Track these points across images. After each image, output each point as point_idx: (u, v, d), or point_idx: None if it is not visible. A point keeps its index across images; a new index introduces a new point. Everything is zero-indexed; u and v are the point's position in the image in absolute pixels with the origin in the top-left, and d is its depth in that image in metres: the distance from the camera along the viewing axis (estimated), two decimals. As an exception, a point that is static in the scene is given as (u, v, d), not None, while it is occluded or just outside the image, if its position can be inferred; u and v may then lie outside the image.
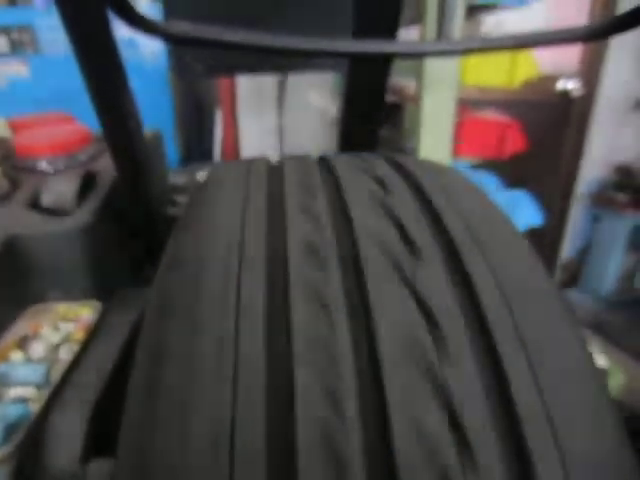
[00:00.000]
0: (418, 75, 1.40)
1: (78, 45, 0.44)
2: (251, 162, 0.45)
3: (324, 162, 0.46)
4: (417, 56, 0.71)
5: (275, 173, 0.43)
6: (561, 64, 2.15)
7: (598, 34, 0.53)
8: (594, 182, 2.37)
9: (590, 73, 2.15)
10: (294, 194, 0.39)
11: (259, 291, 0.30)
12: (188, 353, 0.28)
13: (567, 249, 2.51)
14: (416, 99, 1.43)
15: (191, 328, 0.29)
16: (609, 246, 2.38)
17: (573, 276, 2.59)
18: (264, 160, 0.46)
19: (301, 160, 0.46)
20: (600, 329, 2.16)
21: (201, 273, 0.32)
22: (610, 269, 2.40)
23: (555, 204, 2.42)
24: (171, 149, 1.53)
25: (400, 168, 0.44)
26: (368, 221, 0.35)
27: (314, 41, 0.54)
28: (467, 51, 0.62)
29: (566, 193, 2.39)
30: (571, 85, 2.09)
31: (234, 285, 0.30)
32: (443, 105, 1.39)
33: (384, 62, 0.67)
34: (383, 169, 0.43)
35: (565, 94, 2.10)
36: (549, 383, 0.26)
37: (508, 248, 0.36)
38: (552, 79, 2.08)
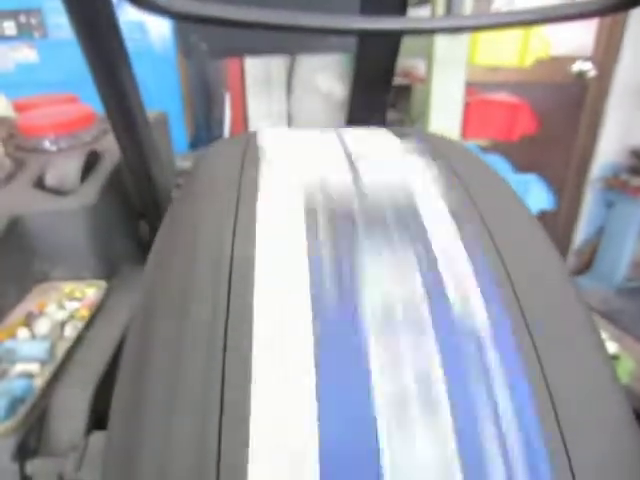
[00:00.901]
0: (427, 56, 1.38)
1: (79, 22, 0.44)
2: (251, 134, 0.45)
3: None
4: (427, 32, 0.70)
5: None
6: (576, 46, 2.11)
7: (615, 8, 0.51)
8: (608, 166, 2.33)
9: (606, 55, 2.10)
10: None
11: (251, 260, 0.29)
12: (179, 323, 0.28)
13: (580, 235, 2.49)
14: (425, 80, 1.41)
15: (183, 299, 0.29)
16: (622, 232, 2.35)
17: (586, 262, 2.57)
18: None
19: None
20: (611, 316, 2.13)
21: (195, 245, 0.32)
22: (623, 255, 2.37)
23: (568, 189, 2.39)
24: (180, 134, 1.52)
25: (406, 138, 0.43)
26: (373, 191, 0.35)
27: (323, 18, 0.53)
28: (478, 28, 0.60)
29: (579, 177, 2.36)
30: (587, 67, 2.04)
31: (228, 256, 0.30)
32: (452, 86, 1.37)
33: (393, 41, 0.65)
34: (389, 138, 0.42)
35: (580, 76, 2.06)
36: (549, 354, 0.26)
37: (513, 223, 0.35)
38: (566, 61, 2.04)
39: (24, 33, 1.43)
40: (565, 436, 0.24)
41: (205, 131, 1.82)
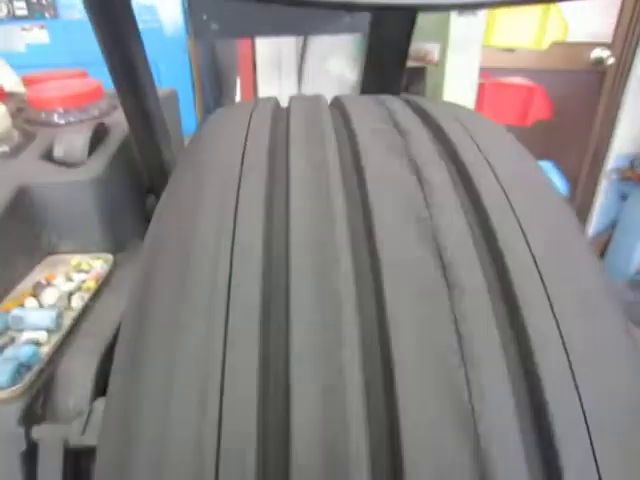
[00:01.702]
0: (442, 39, 1.36)
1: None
2: (257, 101, 0.44)
3: (336, 101, 0.44)
4: (443, 9, 0.68)
5: (281, 111, 0.42)
6: (595, 33, 2.07)
7: None
8: (623, 157, 2.29)
9: (625, 43, 2.06)
10: (299, 131, 0.37)
11: (257, 228, 0.29)
12: (180, 286, 0.27)
13: (593, 226, 2.45)
14: (438, 63, 1.39)
15: (184, 261, 0.28)
16: (636, 225, 2.30)
17: (598, 255, 2.53)
18: (272, 99, 0.45)
19: (310, 98, 0.45)
20: (624, 309, 2.10)
21: (197, 209, 0.31)
22: (636, 248, 2.33)
23: (582, 179, 2.35)
24: (190, 116, 1.52)
25: (416, 107, 0.42)
26: (379, 161, 0.34)
27: None
28: (496, 4, 0.59)
29: (594, 168, 2.32)
30: (605, 54, 2.00)
31: (231, 219, 0.29)
32: (466, 68, 1.35)
33: (407, 20, 0.64)
34: (397, 106, 0.41)
35: (598, 63, 2.01)
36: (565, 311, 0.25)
37: (531, 187, 0.34)
38: (584, 47, 2.00)
39: (35, 14, 1.43)
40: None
41: (215, 115, 1.80)
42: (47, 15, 1.43)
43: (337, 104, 0.44)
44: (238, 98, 1.69)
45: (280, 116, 0.41)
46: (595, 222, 2.46)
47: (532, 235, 0.28)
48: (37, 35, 1.46)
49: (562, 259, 0.28)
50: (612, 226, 2.46)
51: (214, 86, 1.62)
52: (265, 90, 1.72)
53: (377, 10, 0.61)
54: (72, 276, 0.55)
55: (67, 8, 1.43)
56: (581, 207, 2.41)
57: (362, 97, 0.45)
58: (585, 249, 0.30)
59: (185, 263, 0.28)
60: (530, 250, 0.27)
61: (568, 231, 0.30)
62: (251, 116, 0.39)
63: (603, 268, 0.29)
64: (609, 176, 2.33)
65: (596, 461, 0.21)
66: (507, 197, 0.30)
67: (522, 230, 0.28)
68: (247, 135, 0.35)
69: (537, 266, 0.27)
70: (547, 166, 1.70)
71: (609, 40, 2.06)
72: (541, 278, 0.26)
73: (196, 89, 1.53)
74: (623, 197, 2.38)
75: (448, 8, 0.65)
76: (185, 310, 0.26)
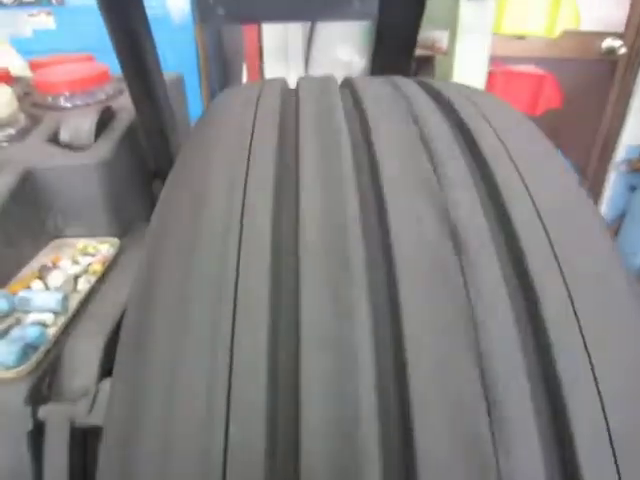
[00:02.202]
0: (451, 26, 1.34)
1: None
2: (265, 82, 0.43)
3: (347, 82, 0.44)
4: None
5: (290, 91, 0.42)
6: (607, 22, 2.03)
7: None
8: (633, 148, 2.26)
9: (637, 33, 2.03)
10: (309, 112, 0.37)
11: (266, 212, 0.28)
12: (187, 261, 0.27)
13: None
14: (446, 51, 1.38)
15: (190, 243, 0.28)
16: (645, 217, 2.28)
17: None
18: (279, 79, 0.45)
19: (320, 79, 0.44)
20: None
21: (204, 191, 0.31)
22: (644, 241, 2.31)
23: (591, 170, 2.33)
24: (197, 103, 1.51)
25: (429, 88, 0.42)
26: (393, 148, 0.33)
27: None
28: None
29: (603, 159, 2.30)
30: (617, 43, 1.97)
31: (240, 198, 0.29)
32: (476, 57, 1.33)
33: (416, 6, 0.63)
34: (411, 89, 0.40)
35: (610, 53, 1.98)
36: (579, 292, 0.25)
37: (544, 165, 0.34)
38: (596, 37, 1.97)
39: (42, 0, 1.42)
40: None
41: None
42: (54, 1, 1.42)
43: (347, 84, 0.43)
44: (244, 81, 1.68)
45: (289, 96, 0.41)
46: (603, 213, 2.44)
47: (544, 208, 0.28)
48: (43, 21, 1.46)
49: (576, 237, 0.27)
50: (620, 218, 2.44)
51: (221, 72, 1.61)
52: (272, 74, 1.70)
53: None
54: (78, 259, 0.56)
55: (74, -6, 1.42)
56: (590, 196, 2.39)
57: (374, 79, 0.44)
58: (597, 228, 0.29)
59: (191, 246, 0.28)
60: (536, 208, 0.27)
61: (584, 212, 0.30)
62: (259, 96, 0.38)
63: (616, 249, 0.29)
64: (618, 167, 2.30)
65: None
66: (527, 187, 0.30)
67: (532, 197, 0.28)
68: (255, 114, 0.35)
69: (544, 224, 0.26)
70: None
71: (621, 30, 2.03)
72: (556, 258, 0.26)
73: (203, 75, 1.52)
74: (632, 189, 2.35)
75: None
76: (191, 293, 0.25)
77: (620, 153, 2.26)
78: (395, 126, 0.34)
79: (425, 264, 0.25)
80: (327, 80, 0.43)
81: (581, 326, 0.23)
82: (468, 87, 0.43)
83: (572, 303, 0.24)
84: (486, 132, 0.33)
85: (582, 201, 0.31)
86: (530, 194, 0.28)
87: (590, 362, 0.22)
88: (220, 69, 1.60)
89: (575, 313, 0.24)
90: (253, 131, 0.33)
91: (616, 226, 2.45)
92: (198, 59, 1.51)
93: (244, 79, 1.69)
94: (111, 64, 0.81)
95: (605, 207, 2.40)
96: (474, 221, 0.27)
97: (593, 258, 0.27)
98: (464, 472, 0.20)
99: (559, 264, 0.25)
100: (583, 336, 0.23)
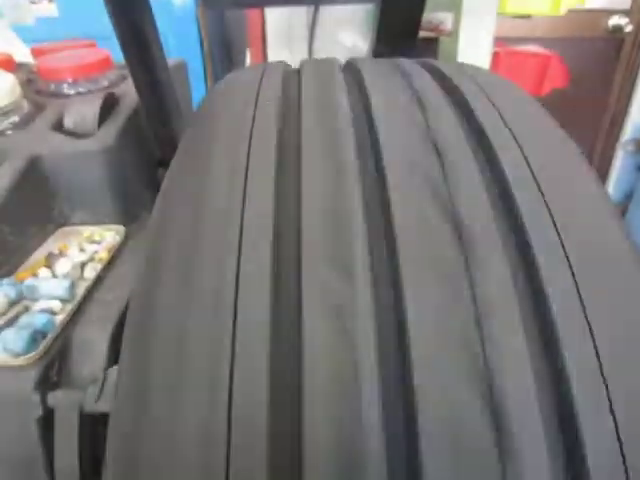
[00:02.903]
0: (455, 8, 1.32)
1: None
2: (267, 64, 0.43)
3: (350, 64, 0.43)
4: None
5: (293, 73, 0.41)
6: (612, 0, 2.00)
7: None
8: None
9: (643, 10, 1.99)
10: (311, 96, 0.36)
11: (268, 196, 0.28)
12: (191, 242, 0.27)
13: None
14: (451, 33, 1.36)
15: (193, 228, 0.28)
16: (652, 197, 2.26)
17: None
18: (281, 63, 0.44)
19: (323, 61, 0.44)
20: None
21: (207, 174, 0.31)
22: (652, 221, 2.29)
23: (597, 150, 2.31)
24: (201, 88, 1.50)
25: (435, 70, 0.41)
26: (395, 131, 0.33)
27: None
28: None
29: (610, 138, 2.27)
30: (624, 21, 1.94)
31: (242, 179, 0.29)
32: (481, 38, 1.31)
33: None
34: (413, 69, 0.40)
35: (616, 31, 1.95)
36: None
37: (549, 146, 0.33)
38: (602, 15, 1.94)
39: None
40: None
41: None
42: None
43: (350, 66, 0.42)
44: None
45: (291, 79, 0.41)
46: (610, 194, 2.42)
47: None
48: (46, 8, 1.44)
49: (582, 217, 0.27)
50: (628, 198, 2.42)
51: (224, 57, 1.59)
52: (275, 59, 1.68)
53: None
54: (85, 247, 0.56)
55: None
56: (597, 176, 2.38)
57: (376, 60, 0.44)
58: (606, 212, 0.29)
59: (195, 230, 0.27)
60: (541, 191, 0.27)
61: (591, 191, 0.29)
62: (261, 79, 0.38)
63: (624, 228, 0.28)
64: (626, 147, 2.28)
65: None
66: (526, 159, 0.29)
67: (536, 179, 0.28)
68: (257, 98, 0.35)
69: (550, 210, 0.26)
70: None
71: (627, 7, 2.00)
72: (558, 232, 0.25)
73: (206, 61, 1.51)
74: (639, 169, 2.33)
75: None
76: (195, 279, 0.25)
77: (627, 132, 2.24)
78: (399, 112, 0.34)
79: (429, 261, 0.25)
80: (329, 62, 0.43)
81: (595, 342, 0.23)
82: (473, 67, 0.43)
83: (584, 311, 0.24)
84: (492, 116, 0.33)
85: (592, 185, 0.31)
86: (537, 181, 0.28)
87: (607, 392, 0.22)
88: (224, 55, 1.59)
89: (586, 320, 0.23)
90: (254, 116, 0.32)
91: (623, 206, 2.44)
92: (201, 45, 1.49)
93: (248, 63, 1.68)
94: (114, 51, 0.81)
95: (612, 187, 2.38)
96: (480, 218, 0.27)
97: (606, 251, 0.27)
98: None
99: (570, 266, 0.25)
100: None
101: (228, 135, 0.32)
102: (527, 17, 1.58)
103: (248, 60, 1.69)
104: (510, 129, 0.31)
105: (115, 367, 0.42)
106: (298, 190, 0.28)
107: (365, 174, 0.29)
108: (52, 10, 1.45)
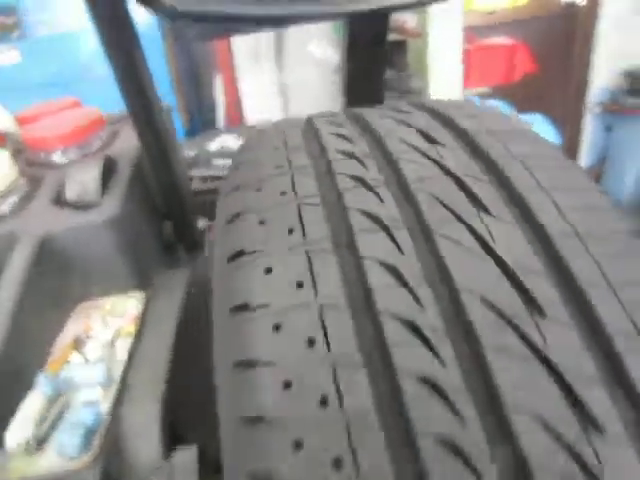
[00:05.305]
0: (421, 8, 1.33)
1: (99, 22, 0.46)
2: (282, 122, 0.44)
3: (354, 115, 0.44)
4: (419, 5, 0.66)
5: (309, 129, 0.42)
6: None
7: None
8: (605, 91, 2.31)
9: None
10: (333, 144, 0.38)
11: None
12: None
13: (584, 161, 2.49)
14: (420, 34, 1.36)
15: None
16: (625, 152, 2.33)
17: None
18: (295, 120, 0.45)
19: (330, 115, 0.45)
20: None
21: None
22: (628, 174, 2.36)
23: (568, 119, 2.38)
24: (175, 121, 1.48)
25: (437, 113, 0.42)
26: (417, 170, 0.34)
27: (316, 5, 0.50)
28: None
29: (578, 105, 2.35)
30: (576, -3, 2.00)
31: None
32: (450, 37, 1.32)
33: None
34: (419, 116, 0.41)
35: (570, 7, 2.01)
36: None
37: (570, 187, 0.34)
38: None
39: (1, 35, 1.36)
40: None
41: (198, 115, 1.75)
42: (14, 35, 1.36)
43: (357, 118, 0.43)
44: (221, 95, 1.64)
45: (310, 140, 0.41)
46: (586, 157, 2.50)
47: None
48: (8, 55, 1.39)
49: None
50: (601, 161, 2.49)
51: (194, 87, 1.57)
52: (246, 80, 1.66)
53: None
54: (108, 322, 0.54)
55: (34, 25, 1.35)
56: (570, 146, 2.44)
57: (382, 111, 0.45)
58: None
59: None
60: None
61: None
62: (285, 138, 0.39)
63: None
64: (593, 110, 2.35)
65: None
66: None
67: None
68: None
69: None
70: (537, 118, 1.70)
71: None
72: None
73: (177, 92, 1.48)
74: (608, 129, 2.40)
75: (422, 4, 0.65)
76: None
77: (592, 96, 2.31)
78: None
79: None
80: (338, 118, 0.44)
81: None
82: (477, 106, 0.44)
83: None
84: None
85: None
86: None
87: None
88: (194, 83, 1.57)
89: None
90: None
91: (599, 168, 2.50)
92: (171, 75, 1.47)
93: (220, 90, 1.65)
94: (79, 95, 0.78)
95: (585, 150, 2.45)
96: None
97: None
98: None
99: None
100: None
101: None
102: (492, 13, 1.62)
103: (219, 85, 1.66)
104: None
105: (180, 450, 0.41)
106: None
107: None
108: (15, 57, 1.40)
